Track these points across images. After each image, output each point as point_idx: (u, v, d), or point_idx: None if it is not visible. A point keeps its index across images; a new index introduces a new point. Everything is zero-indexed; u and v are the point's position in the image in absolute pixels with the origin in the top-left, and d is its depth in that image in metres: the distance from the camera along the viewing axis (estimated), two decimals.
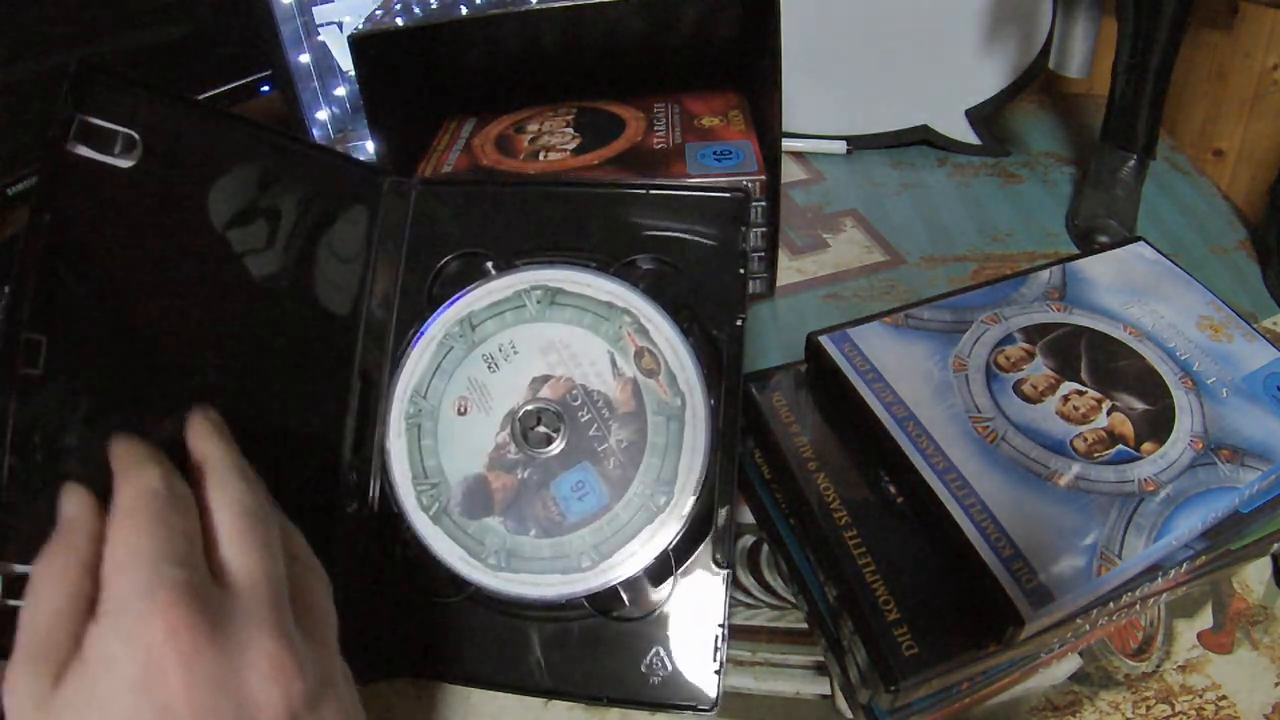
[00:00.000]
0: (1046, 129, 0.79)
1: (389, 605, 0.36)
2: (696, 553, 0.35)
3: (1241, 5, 0.71)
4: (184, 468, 0.27)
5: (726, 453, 0.35)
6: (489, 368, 0.37)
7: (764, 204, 0.55)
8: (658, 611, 0.35)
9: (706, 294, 0.37)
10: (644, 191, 0.38)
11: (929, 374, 0.40)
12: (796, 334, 0.45)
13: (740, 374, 0.36)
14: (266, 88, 0.83)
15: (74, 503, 0.26)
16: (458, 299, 0.37)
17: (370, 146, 0.72)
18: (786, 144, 0.74)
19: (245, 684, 0.22)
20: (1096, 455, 0.37)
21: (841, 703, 0.37)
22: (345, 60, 0.74)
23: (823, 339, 0.43)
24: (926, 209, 0.69)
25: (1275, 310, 0.57)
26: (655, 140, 0.59)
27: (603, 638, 0.35)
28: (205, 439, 0.28)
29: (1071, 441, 0.37)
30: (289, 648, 0.24)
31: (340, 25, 0.73)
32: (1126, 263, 0.47)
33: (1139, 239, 0.49)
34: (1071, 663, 0.38)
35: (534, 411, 0.36)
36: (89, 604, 0.23)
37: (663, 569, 0.35)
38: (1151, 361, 0.41)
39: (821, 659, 0.39)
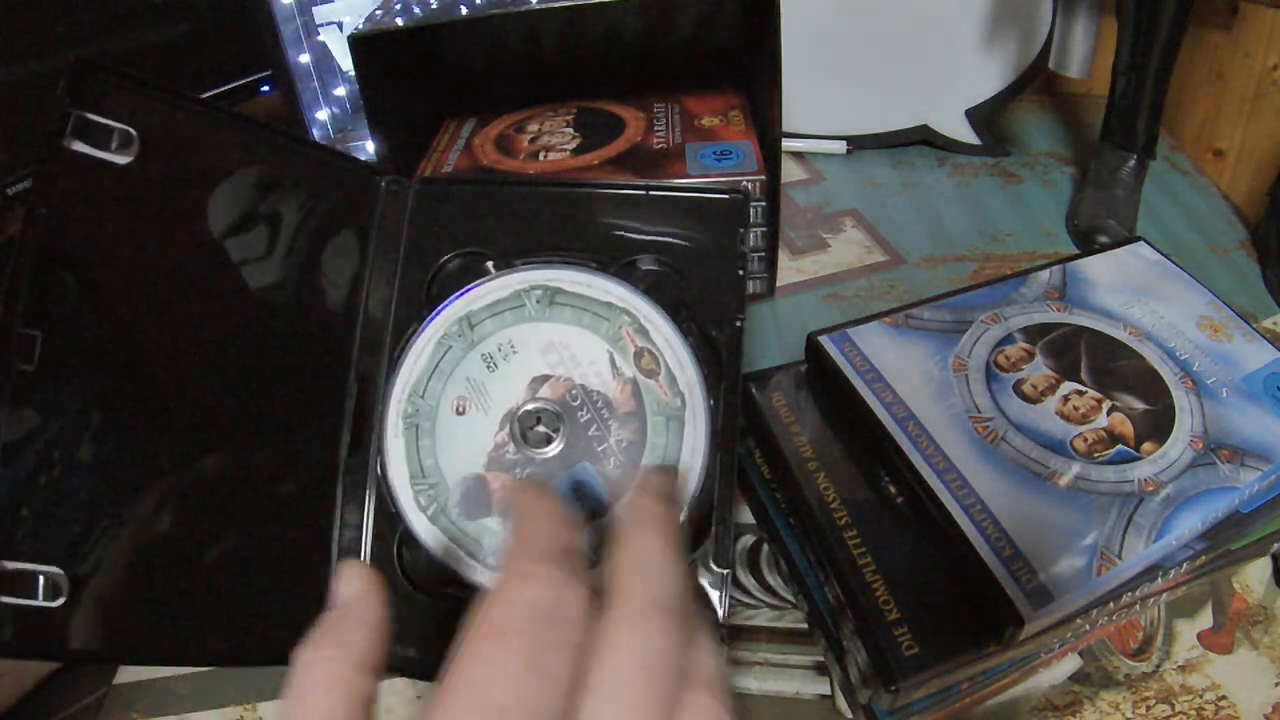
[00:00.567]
0: (1046, 129, 0.79)
1: (394, 608, 0.36)
2: (695, 554, 0.35)
3: (1241, 5, 0.71)
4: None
5: (726, 454, 0.35)
6: (488, 367, 0.37)
7: (764, 204, 0.55)
8: None
9: (706, 295, 0.37)
10: (643, 192, 0.38)
11: (929, 374, 0.40)
12: (796, 334, 0.45)
13: (739, 375, 0.36)
14: (266, 88, 0.83)
15: (353, 582, 0.21)
16: (456, 298, 0.37)
17: (370, 146, 0.72)
18: (786, 144, 0.74)
19: None
20: (1096, 455, 0.37)
21: (841, 703, 0.37)
22: (345, 60, 0.74)
23: (823, 339, 0.43)
24: (926, 209, 0.69)
25: (1275, 310, 0.57)
26: (655, 140, 0.59)
27: None
28: (640, 528, 0.21)
29: (1071, 441, 0.37)
30: None
31: (340, 25, 0.73)
32: (1126, 263, 0.47)
33: (1139, 239, 0.49)
34: (1071, 663, 0.38)
35: (533, 411, 0.36)
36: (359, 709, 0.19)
37: None
38: (1151, 361, 0.41)
39: (821, 659, 0.39)
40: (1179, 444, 0.37)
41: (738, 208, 0.37)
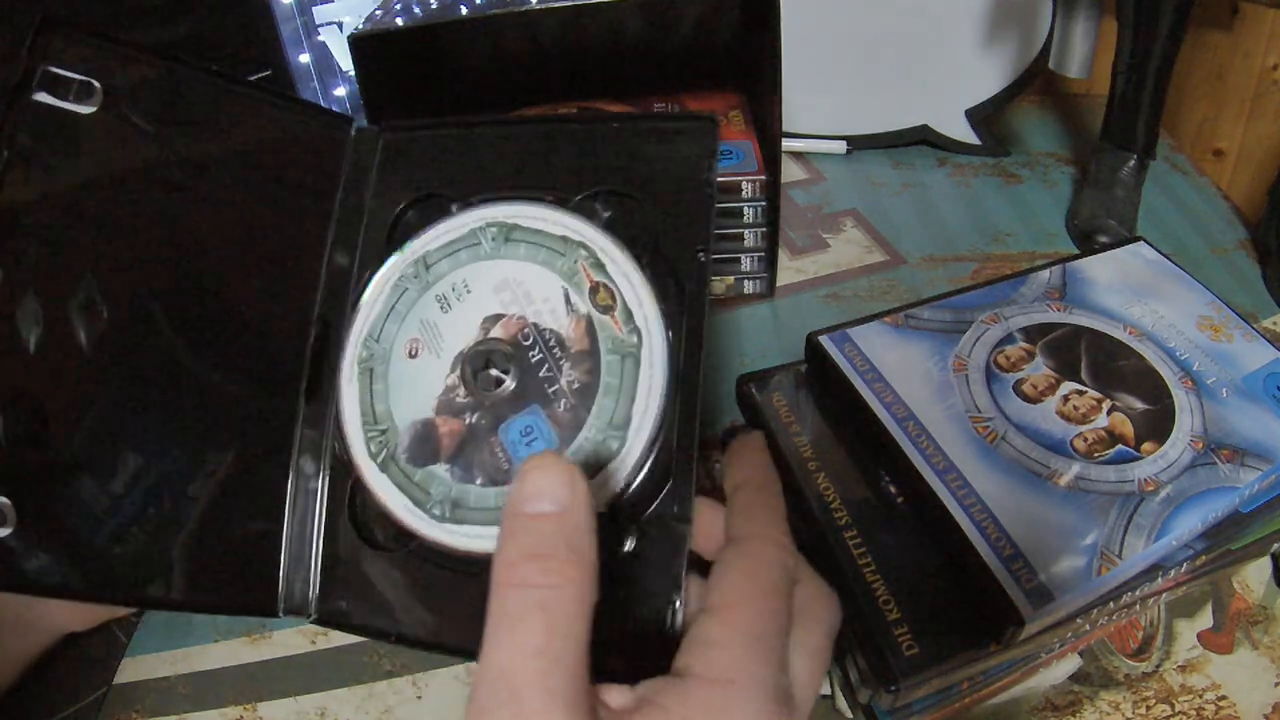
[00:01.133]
0: (1046, 129, 0.79)
1: (337, 559, 0.35)
2: (653, 505, 0.32)
3: (1241, 5, 0.71)
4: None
5: (687, 396, 0.32)
6: (441, 308, 0.35)
7: (764, 204, 0.55)
8: (611, 568, 0.32)
9: (671, 227, 0.35)
10: (611, 124, 0.37)
11: (929, 374, 0.40)
12: (796, 334, 0.45)
13: (704, 311, 0.33)
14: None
15: (556, 478, 0.21)
16: (413, 239, 0.36)
17: None
18: (786, 144, 0.74)
19: None
20: (1096, 455, 0.37)
21: (841, 703, 0.37)
22: (345, 60, 0.74)
23: (823, 339, 0.43)
24: (926, 209, 0.69)
25: (1275, 310, 0.57)
26: None
27: None
28: (750, 509, 0.26)
29: (1071, 441, 0.37)
30: None
31: (340, 25, 0.73)
32: (1126, 263, 0.47)
33: (1139, 239, 0.49)
34: (1071, 663, 0.38)
35: (483, 352, 0.34)
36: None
37: (617, 521, 0.32)
38: (1151, 361, 0.41)
39: None
40: (1179, 444, 0.37)
41: (706, 133, 0.35)
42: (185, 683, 0.39)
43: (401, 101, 0.60)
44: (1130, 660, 0.38)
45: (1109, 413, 0.38)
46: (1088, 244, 0.62)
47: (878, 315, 0.44)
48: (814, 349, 0.43)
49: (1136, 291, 0.45)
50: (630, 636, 0.29)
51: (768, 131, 0.56)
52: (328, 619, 0.34)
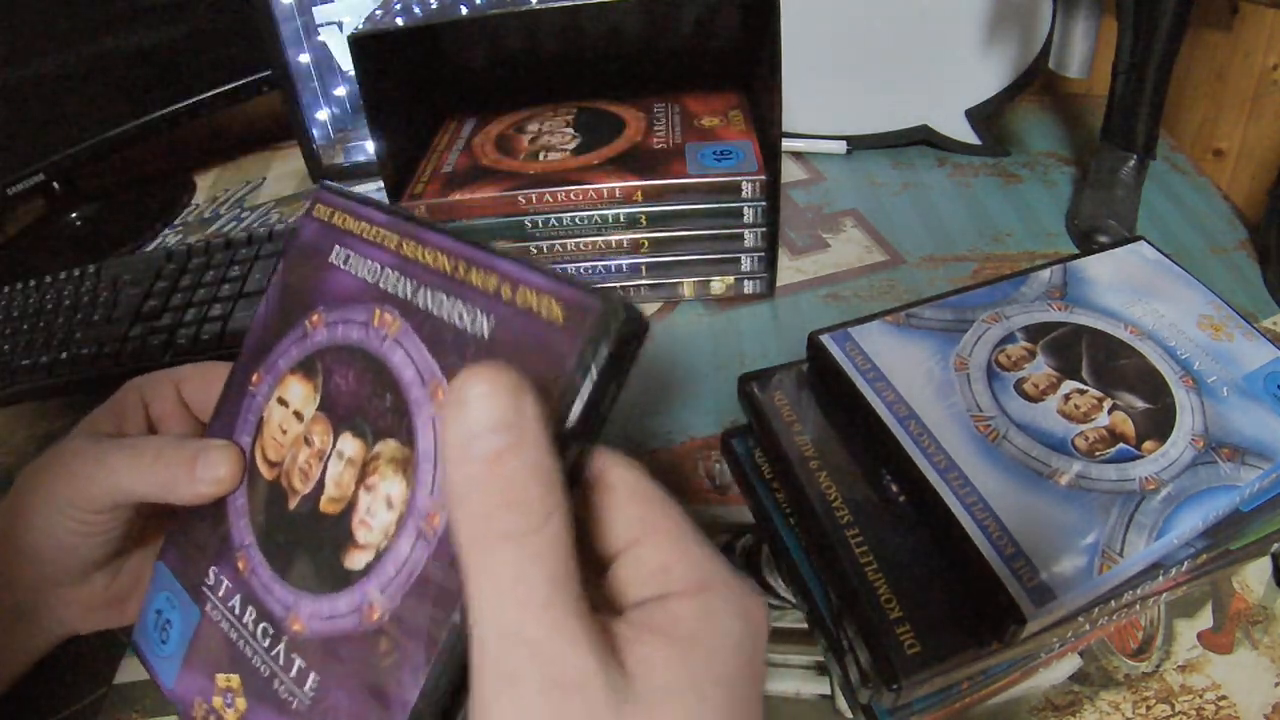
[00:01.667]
0: (1046, 129, 0.79)
1: None
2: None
3: (1241, 5, 0.71)
4: None
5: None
6: None
7: (764, 204, 0.55)
8: None
9: None
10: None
11: (930, 373, 0.40)
12: (797, 334, 0.45)
13: None
14: (266, 88, 0.83)
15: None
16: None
17: (370, 146, 0.72)
18: (786, 144, 0.74)
19: None
20: (1098, 454, 0.37)
21: (841, 703, 0.37)
22: (345, 60, 0.74)
23: (824, 338, 0.43)
24: (926, 209, 0.69)
25: (1275, 310, 0.57)
26: (655, 140, 0.59)
27: None
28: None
29: (1073, 440, 0.37)
30: None
31: (340, 25, 0.73)
32: (1127, 262, 0.47)
33: (1140, 238, 0.49)
34: (1071, 663, 0.38)
35: None
36: None
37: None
38: (1152, 360, 0.41)
39: (821, 659, 0.39)
40: (1180, 443, 0.37)
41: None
42: None
43: (402, 101, 0.60)
44: (1130, 660, 0.38)
45: (1110, 412, 0.38)
46: (1088, 244, 0.62)
47: (879, 314, 0.44)
48: (816, 348, 0.43)
49: (1137, 291, 0.45)
50: None
51: (768, 131, 0.56)
52: None
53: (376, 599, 0.24)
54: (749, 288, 0.60)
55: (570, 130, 0.62)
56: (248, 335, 0.32)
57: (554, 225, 0.56)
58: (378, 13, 0.70)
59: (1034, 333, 0.42)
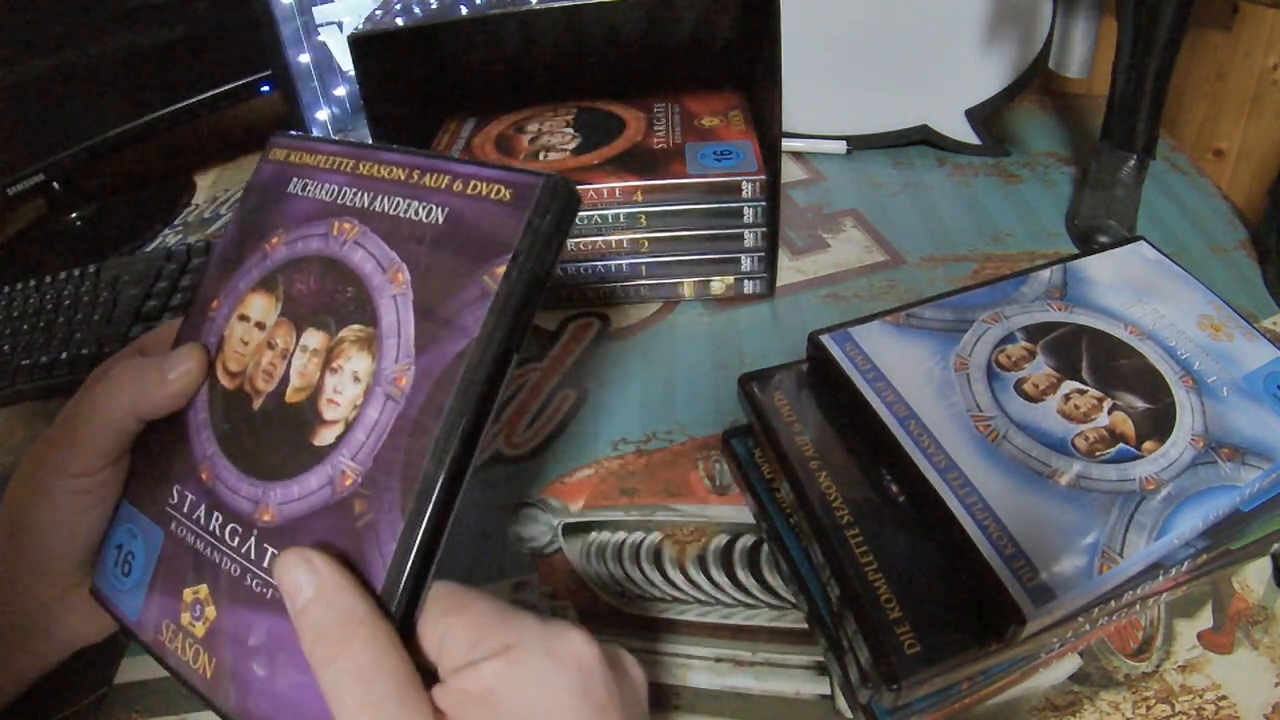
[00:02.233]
0: (1046, 129, 0.79)
1: None
2: None
3: (1241, 5, 0.72)
4: None
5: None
6: None
7: (764, 204, 0.55)
8: None
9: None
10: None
11: (930, 373, 0.40)
12: (797, 334, 0.45)
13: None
14: (266, 88, 0.83)
15: None
16: None
17: None
18: (786, 144, 0.74)
19: None
20: (1098, 454, 0.37)
21: (841, 703, 0.37)
22: (345, 60, 0.74)
23: (825, 338, 0.43)
24: (926, 209, 0.69)
25: (1275, 310, 0.57)
26: (655, 140, 0.59)
27: None
28: None
29: (1073, 440, 0.37)
30: None
31: (340, 25, 0.73)
32: (1127, 262, 0.47)
33: (1140, 238, 0.49)
34: (1071, 663, 0.38)
35: None
36: None
37: None
38: (1152, 360, 0.41)
39: (821, 659, 0.39)
40: (1180, 443, 0.37)
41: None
42: None
43: (402, 101, 0.60)
44: (1130, 660, 0.38)
45: (1110, 412, 0.38)
46: (1088, 244, 0.62)
47: (879, 314, 0.44)
48: (816, 348, 0.43)
49: (1137, 291, 0.45)
50: None
51: (768, 131, 0.56)
52: None
53: (349, 466, 0.26)
54: (749, 288, 0.60)
55: (570, 130, 0.62)
56: (207, 269, 0.33)
57: None
58: (378, 13, 0.70)
59: (1034, 333, 0.42)
